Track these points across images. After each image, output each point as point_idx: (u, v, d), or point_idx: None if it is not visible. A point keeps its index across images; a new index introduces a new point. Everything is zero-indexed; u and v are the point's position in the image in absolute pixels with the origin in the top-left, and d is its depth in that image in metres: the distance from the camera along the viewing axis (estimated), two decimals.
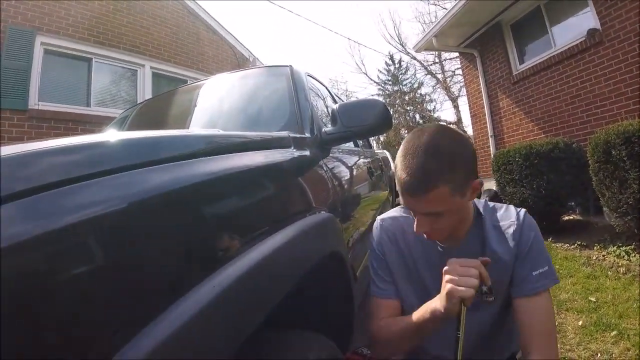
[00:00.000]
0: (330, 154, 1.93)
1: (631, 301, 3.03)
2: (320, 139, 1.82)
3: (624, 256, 3.92)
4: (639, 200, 3.64)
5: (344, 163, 2.23)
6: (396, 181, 1.10)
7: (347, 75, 47.45)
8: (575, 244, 4.60)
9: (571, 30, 6.21)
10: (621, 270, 3.68)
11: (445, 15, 7.77)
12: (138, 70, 7.24)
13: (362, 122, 1.82)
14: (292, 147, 1.46)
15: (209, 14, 9.07)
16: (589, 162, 4.26)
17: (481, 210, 1.28)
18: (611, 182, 3.95)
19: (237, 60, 9.47)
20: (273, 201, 1.11)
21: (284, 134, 1.55)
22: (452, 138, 1.09)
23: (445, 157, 1.03)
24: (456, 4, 7.36)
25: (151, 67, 7.41)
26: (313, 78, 2.86)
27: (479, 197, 1.28)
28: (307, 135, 1.76)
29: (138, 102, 3.07)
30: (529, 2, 6.87)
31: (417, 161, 1.03)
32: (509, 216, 1.25)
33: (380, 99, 28.43)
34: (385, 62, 32.85)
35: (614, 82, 5.39)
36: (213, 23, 9.15)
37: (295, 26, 72.05)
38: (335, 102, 3.34)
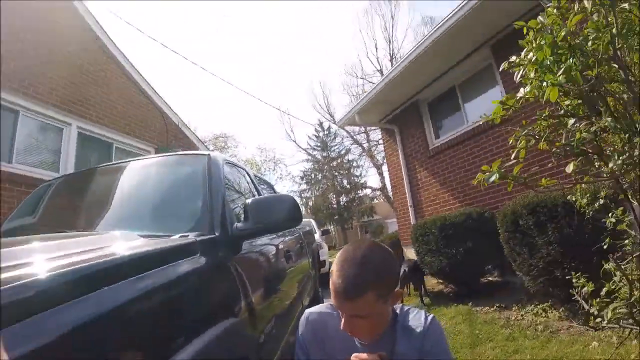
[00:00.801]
0: (243, 249, 1.97)
1: (549, 359, 3.15)
2: (231, 236, 1.86)
3: (541, 314, 4.15)
4: (549, 262, 3.92)
5: (257, 257, 2.27)
6: (331, 284, 1.28)
7: (277, 142, 48.18)
8: (495, 306, 4.75)
9: (482, 107, 6.74)
10: (539, 328, 3.82)
11: (367, 95, 8.30)
12: (64, 129, 6.77)
13: (273, 217, 1.93)
14: (199, 254, 1.49)
15: (143, 77, 8.94)
16: (499, 231, 4.59)
17: (398, 312, 1.47)
18: (521, 249, 4.25)
19: (167, 126, 9.39)
20: (175, 320, 1.14)
21: (190, 239, 1.56)
22: (382, 255, 1.32)
23: (374, 270, 1.25)
24: (376, 86, 7.92)
25: (78, 127, 6.99)
26: (233, 165, 2.91)
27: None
28: (217, 234, 1.78)
29: (54, 178, 2.91)
30: (444, 83, 7.50)
31: (351, 271, 1.24)
32: (418, 319, 1.44)
33: (309, 165, 28.65)
34: (315, 128, 33.92)
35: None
36: (146, 87, 9.02)
37: (227, 93, 73.23)
38: (255, 186, 3.39)
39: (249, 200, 1.98)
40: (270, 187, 4.89)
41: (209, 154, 2.39)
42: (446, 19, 5.82)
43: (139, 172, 2.56)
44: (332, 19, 52.39)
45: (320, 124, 34.05)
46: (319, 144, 35.02)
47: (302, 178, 35.28)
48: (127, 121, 8.15)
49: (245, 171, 3.39)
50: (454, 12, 5.65)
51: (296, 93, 62.49)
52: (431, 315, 1.45)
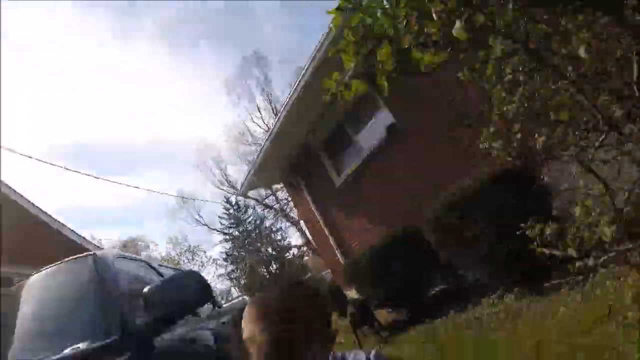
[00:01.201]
0: (161, 346, 1.77)
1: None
2: (136, 335, 1.64)
3: (496, 303, 4.06)
4: (487, 252, 3.89)
5: (180, 351, 2.07)
6: (251, 345, 0.92)
7: (187, 230, 46.28)
8: (450, 314, 4.62)
9: (374, 132, 6.91)
10: (501, 317, 3.72)
11: (259, 154, 8.27)
12: None
13: (180, 301, 1.72)
14: None
15: (33, 204, 8.41)
16: (430, 240, 4.57)
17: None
18: (457, 248, 4.22)
19: (68, 248, 8.61)
20: None
21: (75, 351, 1.38)
22: (303, 298, 1.00)
23: (301, 324, 0.93)
24: (265, 142, 7.98)
25: None
26: (131, 259, 2.71)
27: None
28: (116, 337, 1.55)
29: None
30: (330, 120, 7.64)
31: (272, 332, 0.90)
32: (359, 356, 1.16)
33: (228, 245, 27.78)
34: (224, 207, 33.15)
35: (421, 163, 5.95)
36: (41, 214, 8.51)
37: (122, 193, 70.30)
38: (161, 275, 3.07)
39: (145, 289, 1.76)
40: None
41: (94, 254, 2.17)
42: (310, 59, 5.99)
43: (23, 293, 2.29)
44: (207, 91, 52.68)
45: (228, 201, 33.45)
46: (232, 222, 34.25)
47: (225, 260, 34.08)
48: (22, 251, 7.25)
49: (146, 262, 3.13)
50: (316, 50, 5.84)
51: (191, 177, 61.36)
52: (373, 351, 1.19)
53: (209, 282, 1.88)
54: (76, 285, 2.03)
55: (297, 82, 6.60)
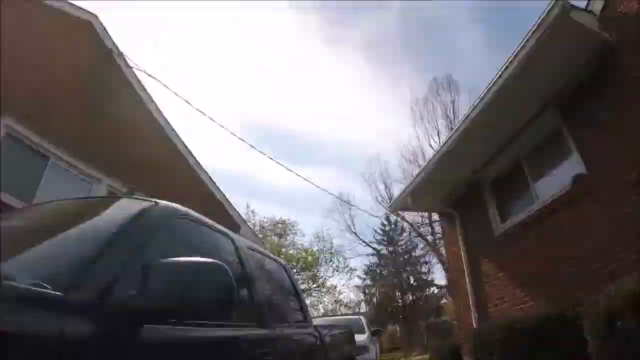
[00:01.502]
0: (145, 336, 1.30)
1: None
2: (109, 306, 1.23)
3: None
4: None
5: None
6: None
7: (336, 232, 46.64)
8: None
9: (555, 180, 5.63)
10: None
11: (419, 173, 7.45)
12: (93, 185, 6.68)
13: (190, 293, 1.35)
14: None
15: (192, 154, 9.08)
16: (588, 338, 3.38)
17: None
18: None
19: (207, 197, 9.17)
20: None
21: None
22: None
23: None
24: (429, 161, 7.12)
25: (108, 185, 6.87)
26: (200, 224, 2.22)
27: None
28: (73, 295, 1.14)
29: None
30: (507, 158, 6.52)
31: None
32: None
33: (374, 259, 27.22)
34: (382, 222, 32.77)
35: (610, 230, 4.48)
36: (191, 160, 9.11)
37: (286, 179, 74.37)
38: (241, 261, 2.54)
39: (158, 262, 1.36)
40: (284, 269, 3.77)
41: (154, 201, 1.88)
42: (499, 73, 5.06)
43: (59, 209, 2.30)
44: (393, 105, 52.56)
45: (387, 218, 32.89)
46: (385, 238, 33.74)
47: (366, 273, 33.71)
48: (165, 187, 7.76)
49: (231, 239, 2.56)
50: (507, 63, 4.93)
51: (356, 185, 62.19)
52: None
53: (234, 285, 1.49)
54: (106, 223, 1.80)
55: (477, 100, 5.63)
